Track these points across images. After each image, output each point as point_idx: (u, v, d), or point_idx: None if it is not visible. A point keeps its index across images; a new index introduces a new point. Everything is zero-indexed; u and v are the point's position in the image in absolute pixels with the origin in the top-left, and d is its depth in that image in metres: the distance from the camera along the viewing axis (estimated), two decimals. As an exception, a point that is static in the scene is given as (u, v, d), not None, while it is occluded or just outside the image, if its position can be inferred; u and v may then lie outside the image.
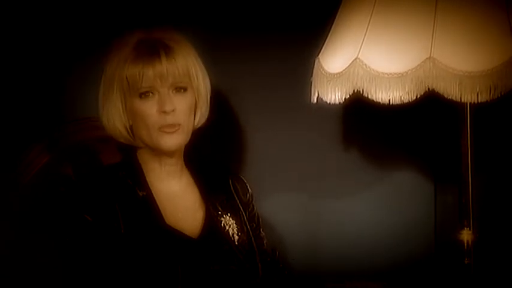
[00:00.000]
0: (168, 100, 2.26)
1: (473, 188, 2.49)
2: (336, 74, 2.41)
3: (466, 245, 2.48)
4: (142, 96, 2.27)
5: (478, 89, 2.27)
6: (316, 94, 2.48)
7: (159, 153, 2.32)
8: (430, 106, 2.60)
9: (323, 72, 2.45)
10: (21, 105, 2.70)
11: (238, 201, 2.43)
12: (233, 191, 2.44)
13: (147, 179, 2.32)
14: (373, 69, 2.32)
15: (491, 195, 2.88)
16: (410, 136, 2.91)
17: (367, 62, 2.33)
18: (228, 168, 2.52)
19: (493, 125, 2.82)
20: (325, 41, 2.52)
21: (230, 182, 2.45)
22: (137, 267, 2.22)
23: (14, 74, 2.70)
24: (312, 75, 2.51)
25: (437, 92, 2.29)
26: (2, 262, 2.49)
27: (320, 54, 2.50)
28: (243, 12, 2.82)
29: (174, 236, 2.27)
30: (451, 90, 2.27)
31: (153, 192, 2.31)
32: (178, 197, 2.35)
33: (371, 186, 2.93)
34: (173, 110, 2.26)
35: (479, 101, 2.29)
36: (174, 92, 2.29)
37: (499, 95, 2.28)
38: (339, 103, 2.43)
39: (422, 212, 2.92)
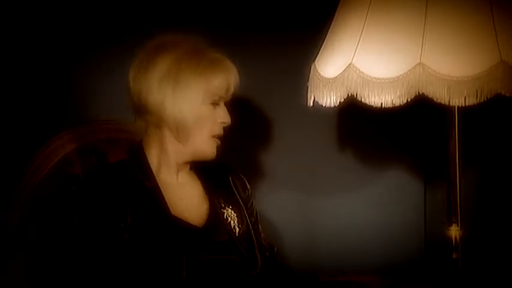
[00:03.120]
0: (227, 112, 2.32)
1: (461, 187, 2.49)
2: (331, 78, 2.41)
3: (454, 240, 2.48)
4: (214, 104, 2.30)
5: (465, 93, 2.27)
6: (313, 98, 2.48)
7: (185, 152, 2.32)
8: (420, 109, 2.60)
9: (319, 77, 2.45)
10: (30, 107, 2.68)
11: (238, 197, 2.43)
12: (233, 187, 2.44)
13: (155, 174, 2.32)
14: (366, 75, 2.33)
15: (478, 193, 2.89)
16: (402, 138, 2.92)
17: (360, 68, 2.34)
18: (228, 167, 2.52)
19: (480, 127, 2.83)
20: (321, 47, 2.52)
21: (230, 179, 2.45)
22: (143, 256, 2.21)
23: (23, 77, 2.69)
24: (308, 80, 2.51)
25: (427, 96, 2.29)
26: (8, 261, 2.49)
27: (316, 60, 2.50)
28: (243, 16, 2.82)
29: (180, 225, 2.27)
30: (440, 94, 2.28)
31: (159, 184, 2.30)
32: (183, 188, 2.35)
33: (365, 185, 2.94)
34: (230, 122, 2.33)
35: (466, 104, 2.29)
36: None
37: (486, 99, 2.28)
38: (334, 106, 2.43)
39: (413, 209, 2.94)
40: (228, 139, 2.43)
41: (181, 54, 2.30)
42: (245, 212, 2.42)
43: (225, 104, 2.33)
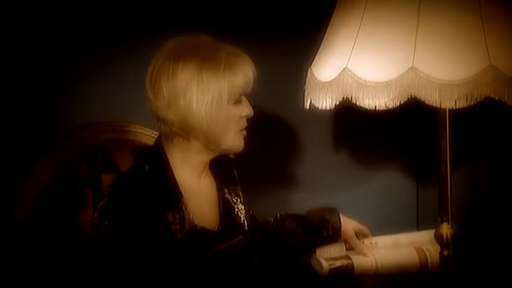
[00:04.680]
0: (249, 105, 2.29)
1: (452, 186, 2.49)
2: (327, 82, 2.41)
3: (445, 238, 2.48)
4: (236, 102, 2.26)
5: (456, 96, 2.27)
6: (309, 100, 2.49)
7: (215, 153, 2.29)
8: (412, 112, 2.61)
9: (315, 80, 2.46)
10: (36, 108, 2.68)
11: (240, 186, 2.43)
12: (236, 175, 2.44)
13: (178, 180, 2.27)
14: (360, 78, 2.33)
15: (468, 193, 2.90)
16: (395, 139, 2.93)
17: (355, 72, 2.35)
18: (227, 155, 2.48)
19: (471, 129, 2.84)
20: (317, 51, 2.53)
21: (234, 169, 2.44)
22: (162, 257, 2.20)
23: (29, 78, 2.68)
24: (305, 84, 2.52)
25: (419, 99, 2.30)
26: (15, 258, 2.49)
27: (312, 65, 2.51)
28: (242, 19, 2.82)
29: (198, 232, 2.24)
30: (432, 98, 2.28)
31: (183, 192, 2.25)
32: (203, 191, 2.32)
33: (360, 185, 2.95)
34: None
35: (457, 107, 2.29)
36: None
37: (475, 102, 2.29)
38: (330, 109, 2.44)
39: (406, 208, 2.96)
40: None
41: (202, 60, 2.22)
42: (246, 201, 2.42)
43: (245, 96, 2.29)
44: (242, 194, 2.42)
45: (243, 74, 2.26)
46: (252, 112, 2.29)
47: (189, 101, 2.21)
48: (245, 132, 2.30)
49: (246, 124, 2.30)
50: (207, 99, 2.21)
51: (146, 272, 2.18)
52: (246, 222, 2.37)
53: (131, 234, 2.18)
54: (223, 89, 2.23)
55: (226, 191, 2.38)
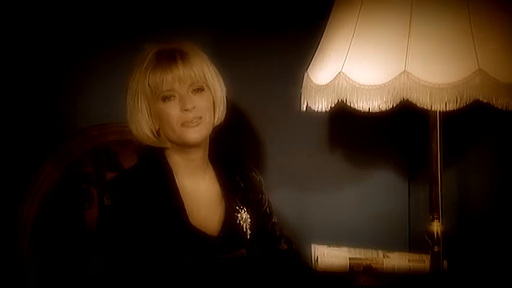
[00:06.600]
0: (188, 99, 2.28)
1: (442, 186, 2.50)
2: (323, 85, 2.43)
3: (435, 235, 2.50)
4: (166, 99, 2.29)
5: (446, 99, 2.28)
6: (306, 103, 2.50)
7: (186, 148, 2.31)
8: (404, 114, 2.62)
9: (311, 84, 2.47)
10: (44, 108, 2.70)
11: (252, 195, 2.43)
12: (249, 185, 2.44)
13: (175, 179, 2.31)
14: (355, 82, 2.35)
15: (458, 191, 2.91)
16: (388, 140, 2.93)
17: (350, 75, 2.36)
18: (244, 163, 2.51)
19: (460, 130, 2.85)
20: (313, 56, 2.54)
21: (246, 177, 2.45)
22: (158, 259, 2.22)
23: (37, 81, 2.69)
24: (301, 87, 2.53)
25: (411, 102, 2.31)
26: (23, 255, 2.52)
27: (309, 69, 2.52)
28: (242, 21, 2.83)
29: (196, 235, 2.26)
30: (423, 100, 2.29)
31: (180, 192, 2.29)
32: (203, 195, 2.34)
33: (354, 184, 2.95)
34: (194, 107, 2.28)
35: (447, 109, 2.31)
36: (192, 92, 2.31)
37: (465, 104, 2.30)
38: (325, 111, 2.45)
39: (398, 206, 2.95)
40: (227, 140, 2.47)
41: (134, 72, 2.31)
42: (258, 209, 2.42)
43: (195, 91, 2.31)
44: (252, 202, 2.42)
45: (169, 71, 2.28)
46: (191, 105, 2.29)
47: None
48: (195, 124, 2.30)
49: (190, 117, 2.29)
50: (129, 98, 2.31)
51: (142, 269, 2.21)
52: (248, 231, 2.37)
53: (128, 234, 2.21)
54: (141, 87, 2.29)
55: (232, 198, 2.39)
